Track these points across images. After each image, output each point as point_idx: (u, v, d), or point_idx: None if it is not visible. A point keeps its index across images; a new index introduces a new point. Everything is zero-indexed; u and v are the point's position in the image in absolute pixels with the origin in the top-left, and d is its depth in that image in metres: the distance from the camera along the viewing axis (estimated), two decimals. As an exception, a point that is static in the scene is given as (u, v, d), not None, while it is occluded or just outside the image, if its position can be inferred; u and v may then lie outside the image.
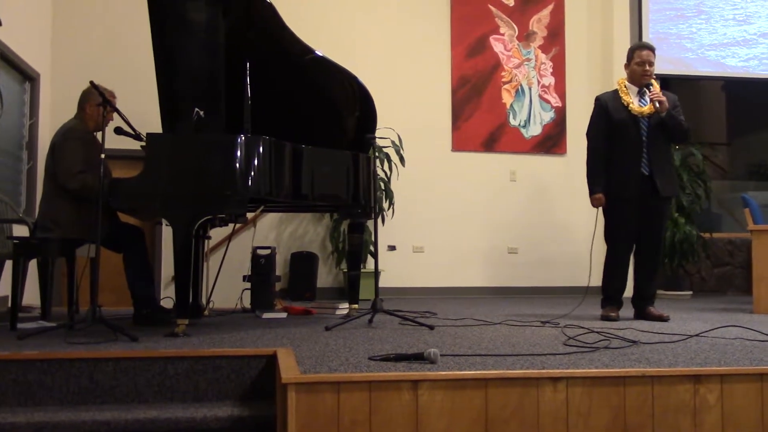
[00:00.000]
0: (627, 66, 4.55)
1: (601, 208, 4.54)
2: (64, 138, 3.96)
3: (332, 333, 3.60)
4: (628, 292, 4.61)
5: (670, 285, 7.15)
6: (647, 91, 4.41)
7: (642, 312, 4.46)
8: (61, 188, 3.92)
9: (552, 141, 7.71)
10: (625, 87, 4.50)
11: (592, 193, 4.50)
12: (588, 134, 4.64)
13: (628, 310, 4.57)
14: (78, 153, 3.92)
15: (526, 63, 7.74)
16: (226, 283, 5.01)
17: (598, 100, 4.62)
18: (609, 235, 4.54)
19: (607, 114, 4.48)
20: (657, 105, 4.31)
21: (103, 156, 3.45)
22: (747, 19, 8.18)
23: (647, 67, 4.43)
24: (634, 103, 4.43)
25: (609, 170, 4.46)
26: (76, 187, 3.86)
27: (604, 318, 4.36)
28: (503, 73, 7.67)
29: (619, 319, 4.37)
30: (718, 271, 7.80)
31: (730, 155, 10.47)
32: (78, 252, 4.16)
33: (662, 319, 4.32)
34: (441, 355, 2.61)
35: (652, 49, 4.51)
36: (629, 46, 4.60)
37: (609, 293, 4.53)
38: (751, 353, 2.91)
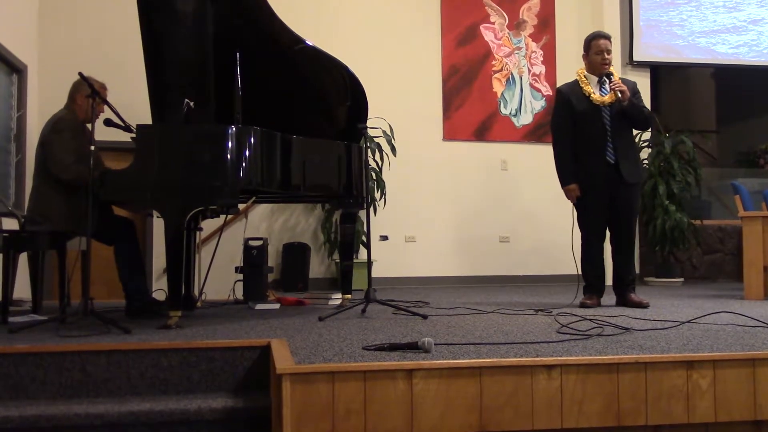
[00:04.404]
0: (585, 56, 4.56)
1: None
2: (53, 129, 3.93)
3: (326, 323, 3.60)
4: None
5: (661, 272, 7.19)
6: (607, 81, 4.44)
7: (623, 298, 4.49)
8: (53, 180, 3.89)
9: (543, 129, 7.70)
10: (585, 77, 4.52)
11: (564, 184, 4.54)
12: (552, 126, 4.68)
13: (611, 298, 4.60)
14: (69, 143, 3.89)
15: (516, 52, 7.73)
16: (219, 275, 5.00)
17: (559, 92, 4.64)
18: (581, 224, 4.57)
19: (570, 105, 4.50)
20: (619, 94, 4.34)
21: (93, 148, 3.43)
22: (737, 5, 8.19)
23: (606, 56, 4.45)
24: (595, 93, 4.45)
25: (575, 161, 4.50)
26: (71, 177, 3.81)
27: (582, 305, 4.41)
28: (494, 62, 7.66)
29: (597, 306, 4.41)
30: (709, 258, 7.85)
31: (719, 143, 10.51)
32: (69, 245, 4.13)
33: (642, 305, 4.34)
34: (435, 344, 2.61)
35: (608, 38, 4.53)
36: (586, 37, 4.61)
37: (588, 281, 4.57)
38: (742, 339, 2.93)
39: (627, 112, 4.38)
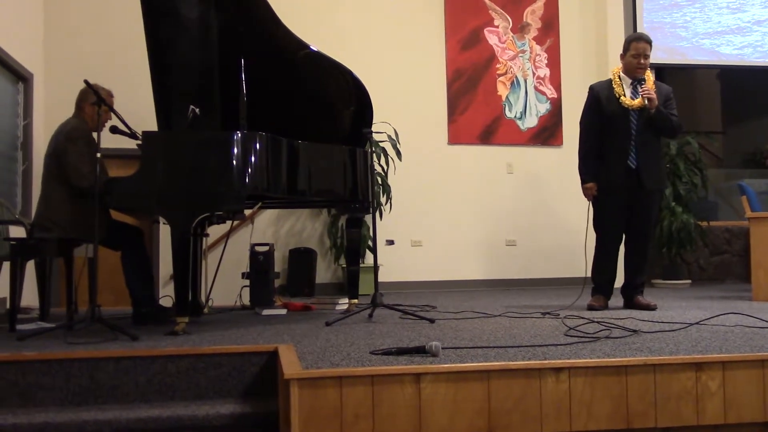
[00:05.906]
0: (623, 57, 4.49)
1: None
2: (68, 138, 3.89)
3: (333, 328, 3.59)
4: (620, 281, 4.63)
5: (669, 274, 7.16)
6: (639, 86, 4.39)
7: (630, 301, 4.48)
8: (62, 187, 3.88)
9: (548, 132, 7.70)
10: (619, 78, 4.47)
11: (583, 183, 4.51)
12: (581, 123, 4.62)
13: (618, 300, 4.58)
14: (84, 151, 3.87)
15: (520, 55, 7.73)
16: (225, 281, 5.00)
17: (591, 89, 4.59)
18: (597, 225, 4.54)
19: (600, 104, 4.46)
20: (647, 102, 4.30)
21: (99, 155, 3.44)
22: (741, 6, 8.17)
23: (642, 60, 4.38)
24: (625, 96, 4.40)
25: (599, 160, 4.46)
26: (88, 185, 3.78)
27: (589, 307, 4.39)
28: (498, 66, 7.65)
29: (604, 308, 4.40)
30: (716, 260, 7.81)
31: (725, 143, 10.48)
32: (76, 252, 4.14)
33: (649, 308, 4.33)
34: (442, 348, 2.60)
35: (648, 41, 4.44)
36: (626, 36, 4.56)
37: (597, 282, 4.54)
38: (751, 340, 2.91)
39: (652, 119, 4.34)
